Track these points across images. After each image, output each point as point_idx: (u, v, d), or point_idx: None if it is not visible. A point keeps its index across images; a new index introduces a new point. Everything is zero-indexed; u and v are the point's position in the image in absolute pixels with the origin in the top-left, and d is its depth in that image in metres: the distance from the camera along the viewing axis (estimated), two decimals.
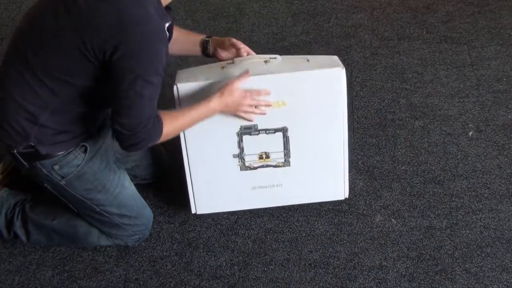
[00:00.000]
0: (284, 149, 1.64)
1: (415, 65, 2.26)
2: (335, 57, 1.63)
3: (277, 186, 1.71)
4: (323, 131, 1.63)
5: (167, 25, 1.36)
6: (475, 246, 1.65)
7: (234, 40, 1.65)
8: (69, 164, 1.43)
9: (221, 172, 1.67)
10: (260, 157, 1.65)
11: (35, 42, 1.30)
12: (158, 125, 1.36)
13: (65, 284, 1.61)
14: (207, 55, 1.68)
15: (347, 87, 1.56)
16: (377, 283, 1.58)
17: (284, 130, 1.61)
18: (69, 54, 1.26)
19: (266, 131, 1.61)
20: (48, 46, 1.28)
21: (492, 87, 2.15)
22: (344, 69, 1.56)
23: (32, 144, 1.37)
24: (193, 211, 1.73)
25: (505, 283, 1.56)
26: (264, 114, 1.55)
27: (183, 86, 1.54)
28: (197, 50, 1.67)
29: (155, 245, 1.70)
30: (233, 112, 1.52)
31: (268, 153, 1.65)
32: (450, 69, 2.24)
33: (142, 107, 1.30)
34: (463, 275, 1.58)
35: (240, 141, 1.61)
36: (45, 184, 1.49)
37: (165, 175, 1.84)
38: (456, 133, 1.99)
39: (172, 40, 1.48)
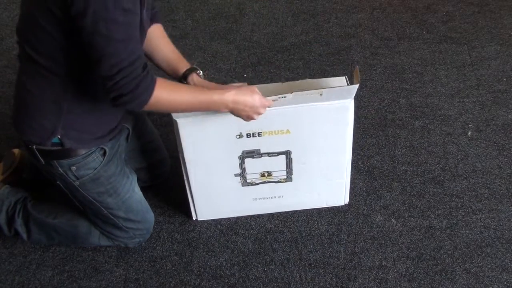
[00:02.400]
0: (287, 168, 1.64)
1: (415, 65, 2.26)
2: (353, 87, 1.44)
3: (278, 197, 1.71)
4: (327, 154, 1.62)
5: None
6: (475, 246, 1.65)
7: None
8: (87, 166, 1.42)
9: (222, 187, 1.67)
10: (262, 175, 1.65)
11: (23, 29, 1.26)
12: (147, 79, 1.21)
13: (65, 284, 1.61)
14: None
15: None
16: (377, 283, 1.58)
17: (287, 153, 1.60)
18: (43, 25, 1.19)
19: (269, 154, 1.59)
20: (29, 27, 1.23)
21: (492, 87, 2.15)
22: (353, 100, 1.49)
23: (59, 137, 1.34)
24: (194, 218, 1.74)
25: (505, 283, 1.56)
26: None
27: (183, 122, 1.48)
28: (172, 75, 1.55)
29: (155, 245, 1.70)
30: (241, 113, 1.40)
31: (270, 172, 1.64)
32: (450, 69, 2.24)
33: (116, 50, 1.14)
34: (463, 275, 1.58)
35: (242, 163, 1.60)
36: (57, 182, 1.47)
37: (166, 177, 1.84)
38: (456, 133, 1.99)
39: (157, 52, 1.48)
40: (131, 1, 1.13)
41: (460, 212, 1.75)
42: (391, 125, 2.03)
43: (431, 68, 2.25)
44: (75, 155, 1.39)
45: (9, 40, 2.44)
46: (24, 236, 1.65)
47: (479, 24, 2.44)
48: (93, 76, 1.22)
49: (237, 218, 1.75)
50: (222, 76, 2.24)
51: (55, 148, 1.36)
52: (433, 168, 1.88)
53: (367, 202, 1.78)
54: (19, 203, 1.64)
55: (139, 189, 1.61)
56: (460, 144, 1.95)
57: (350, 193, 1.76)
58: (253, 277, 1.61)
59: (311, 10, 2.58)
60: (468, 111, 2.06)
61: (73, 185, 1.45)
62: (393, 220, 1.73)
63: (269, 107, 1.42)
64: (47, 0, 1.14)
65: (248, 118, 1.42)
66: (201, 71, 1.52)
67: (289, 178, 1.66)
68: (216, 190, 1.68)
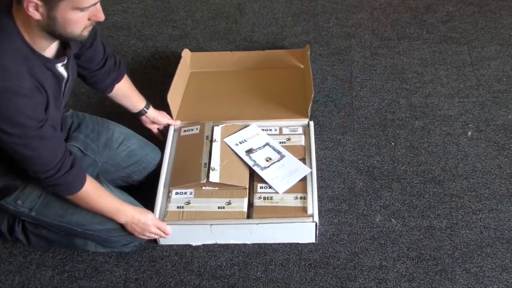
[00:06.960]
0: None
1: (415, 65, 2.26)
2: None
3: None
4: None
5: (60, 64, 1.32)
6: (475, 246, 1.65)
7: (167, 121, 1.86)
8: (30, 196, 1.45)
9: None
10: None
11: None
12: (75, 171, 1.38)
13: (65, 284, 1.61)
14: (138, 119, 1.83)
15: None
16: (377, 283, 1.58)
17: None
18: None
19: None
20: None
21: (492, 87, 2.15)
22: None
23: None
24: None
25: (505, 283, 1.56)
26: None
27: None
28: (134, 110, 1.79)
29: (155, 245, 1.70)
30: (134, 227, 1.55)
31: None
32: (450, 69, 2.24)
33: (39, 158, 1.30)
34: (463, 275, 1.59)
35: None
36: (22, 218, 1.52)
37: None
38: (456, 133, 1.99)
39: (119, 95, 1.69)
40: (34, 118, 1.23)
41: (460, 212, 1.75)
42: (391, 125, 2.03)
43: (431, 68, 2.25)
44: (13, 191, 1.43)
45: None
46: (25, 242, 1.66)
47: (479, 24, 2.44)
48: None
49: None
50: None
51: None
52: (433, 168, 1.88)
53: (367, 202, 1.78)
54: None
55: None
56: (460, 144, 1.95)
57: (350, 193, 1.76)
58: (253, 277, 1.61)
59: (311, 10, 2.58)
60: (468, 111, 2.06)
61: (31, 216, 1.48)
62: (393, 220, 1.73)
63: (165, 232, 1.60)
64: None
65: (140, 234, 1.57)
66: (150, 105, 1.81)
67: None
68: None
